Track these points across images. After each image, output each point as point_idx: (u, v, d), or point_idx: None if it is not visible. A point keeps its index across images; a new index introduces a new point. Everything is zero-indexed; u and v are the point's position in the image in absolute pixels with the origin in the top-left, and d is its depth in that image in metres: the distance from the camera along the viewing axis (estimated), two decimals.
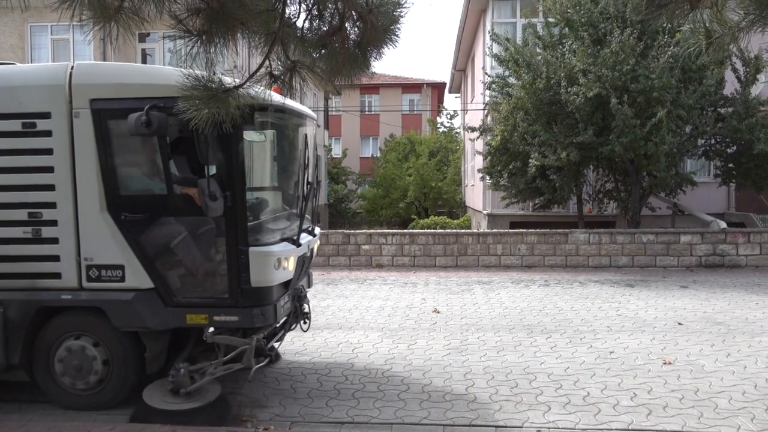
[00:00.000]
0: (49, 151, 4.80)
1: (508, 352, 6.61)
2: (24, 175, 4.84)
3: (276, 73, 3.28)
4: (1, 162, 4.84)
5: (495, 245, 12.99)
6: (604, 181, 15.28)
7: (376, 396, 5.33)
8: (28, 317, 4.85)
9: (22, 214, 4.84)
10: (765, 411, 4.89)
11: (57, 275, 4.86)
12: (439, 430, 4.66)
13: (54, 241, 4.84)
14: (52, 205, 4.83)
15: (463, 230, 15.07)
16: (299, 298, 5.66)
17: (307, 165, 5.63)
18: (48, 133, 4.78)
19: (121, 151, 4.85)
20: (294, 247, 5.12)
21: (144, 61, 16.53)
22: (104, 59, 16.20)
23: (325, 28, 3.14)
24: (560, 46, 13.32)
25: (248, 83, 3.33)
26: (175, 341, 5.16)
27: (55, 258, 4.85)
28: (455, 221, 21.50)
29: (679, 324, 7.82)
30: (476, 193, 19.98)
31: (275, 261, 4.81)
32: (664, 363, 6.16)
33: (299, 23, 3.14)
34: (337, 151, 36.06)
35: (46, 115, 4.77)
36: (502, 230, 13.61)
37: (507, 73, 14.24)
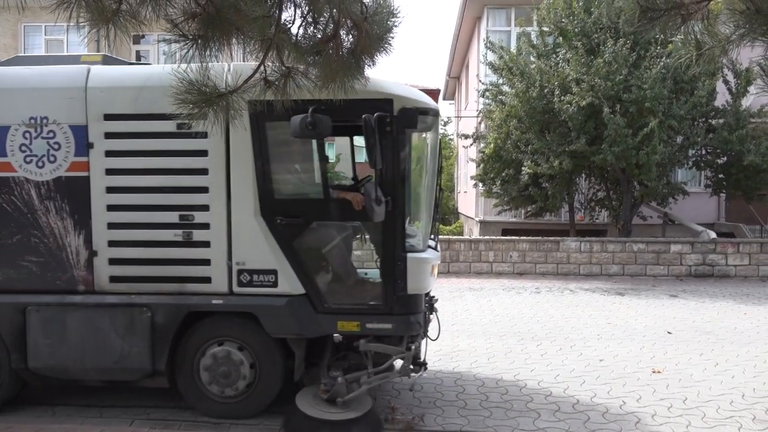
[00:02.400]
0: (203, 153, 4.65)
1: (498, 359, 6.63)
2: (177, 176, 4.69)
3: (270, 78, 3.29)
4: (154, 163, 4.70)
5: (487, 252, 13.02)
6: (596, 190, 15.36)
7: None
8: (177, 322, 4.69)
9: (172, 217, 4.69)
10: (752, 420, 4.93)
11: (207, 279, 4.70)
12: None
13: (205, 244, 4.68)
14: (204, 208, 4.67)
15: (455, 236, 15.09)
16: (431, 307, 5.48)
17: (440, 169, 5.55)
18: (203, 135, 4.55)
19: (278, 154, 4.72)
20: (438, 253, 5.10)
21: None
22: None
23: (319, 35, 3.16)
24: (554, 56, 13.41)
25: (242, 88, 3.35)
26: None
27: (206, 262, 4.69)
28: (447, 227, 21.53)
29: (669, 333, 7.87)
30: (469, 199, 20.02)
31: (430, 268, 4.74)
32: (653, 371, 6.19)
33: (294, 30, 3.16)
34: (330, 156, 35.98)
35: None
36: (494, 237, 13.66)
37: (501, 81, 14.31)
